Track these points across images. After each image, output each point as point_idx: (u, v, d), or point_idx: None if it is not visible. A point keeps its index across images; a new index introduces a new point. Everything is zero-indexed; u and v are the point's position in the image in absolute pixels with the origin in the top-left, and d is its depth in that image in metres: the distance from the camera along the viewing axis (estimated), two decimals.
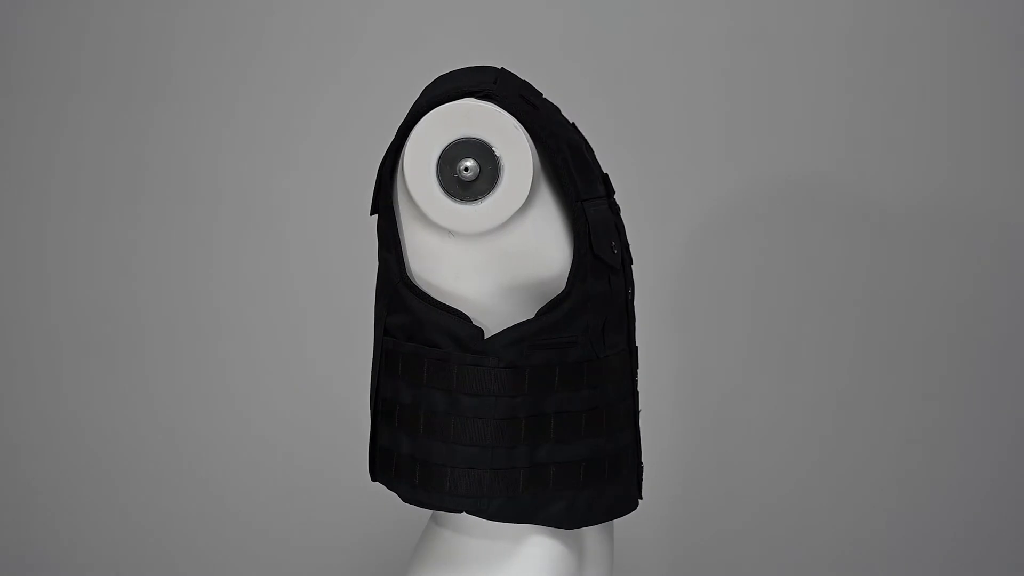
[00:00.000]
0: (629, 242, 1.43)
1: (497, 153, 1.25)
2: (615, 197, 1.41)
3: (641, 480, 1.42)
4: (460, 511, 1.32)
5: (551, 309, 1.28)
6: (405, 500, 1.34)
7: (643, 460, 1.44)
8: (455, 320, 1.29)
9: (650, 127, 2.42)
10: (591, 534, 1.39)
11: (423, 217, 1.28)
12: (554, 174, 1.29)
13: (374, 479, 1.38)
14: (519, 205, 1.26)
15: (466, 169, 1.25)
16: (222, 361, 2.52)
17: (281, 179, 2.50)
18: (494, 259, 1.28)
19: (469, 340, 1.28)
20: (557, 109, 1.35)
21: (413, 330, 1.31)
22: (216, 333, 2.52)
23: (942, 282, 2.43)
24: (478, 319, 1.29)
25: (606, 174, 1.39)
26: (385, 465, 1.36)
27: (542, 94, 1.34)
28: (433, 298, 1.30)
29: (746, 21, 2.42)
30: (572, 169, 1.28)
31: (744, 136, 2.42)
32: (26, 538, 2.42)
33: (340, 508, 2.38)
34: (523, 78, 1.44)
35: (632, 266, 1.42)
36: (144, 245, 2.54)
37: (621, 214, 1.42)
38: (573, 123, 1.40)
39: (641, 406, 1.45)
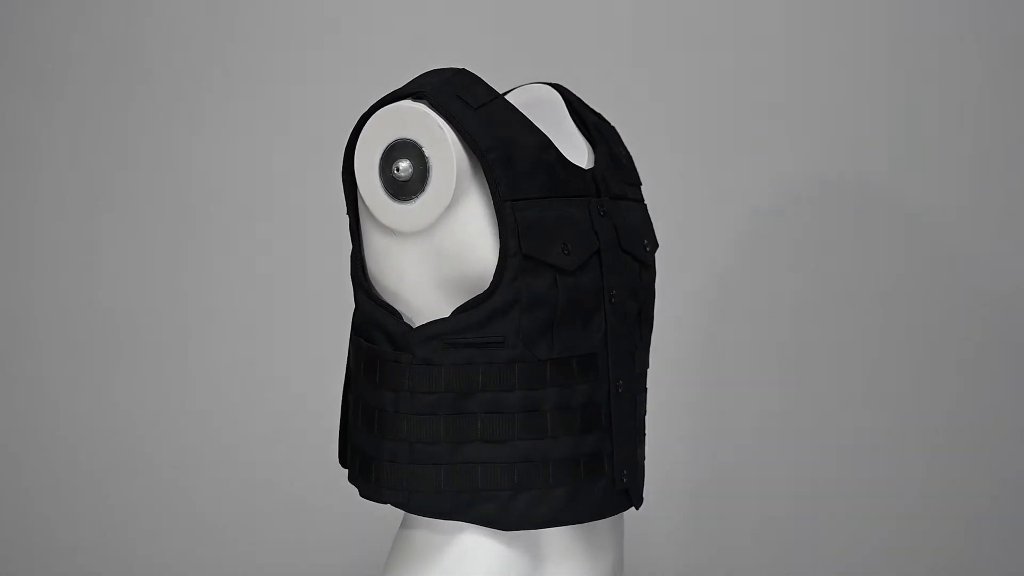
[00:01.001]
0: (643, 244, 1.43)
1: (426, 153, 1.30)
2: (616, 199, 1.40)
3: (630, 487, 1.38)
4: (386, 503, 1.36)
5: (469, 308, 1.30)
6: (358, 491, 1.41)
7: (646, 466, 1.43)
8: (388, 317, 1.34)
9: (666, 129, 2.43)
10: (553, 537, 1.38)
11: (373, 216, 1.34)
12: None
13: (343, 466, 1.45)
14: (446, 204, 1.29)
15: (398, 169, 1.30)
16: (209, 359, 2.52)
17: (269, 179, 2.51)
18: (430, 258, 1.31)
19: (398, 337, 1.33)
20: (515, 111, 1.35)
21: (363, 326, 1.36)
22: (202, 332, 2.52)
23: (957, 288, 2.43)
24: (417, 317, 1.33)
25: (596, 174, 1.37)
26: (344, 455, 1.44)
27: (499, 95, 1.34)
28: (376, 295, 1.35)
29: (769, 23, 2.43)
30: (500, 169, 1.29)
31: (759, 139, 2.43)
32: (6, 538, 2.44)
33: (334, 502, 2.38)
34: (548, 80, 1.48)
35: (642, 269, 1.41)
36: (129, 247, 2.54)
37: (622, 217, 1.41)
38: (600, 120, 1.45)
39: (648, 410, 1.45)
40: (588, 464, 1.34)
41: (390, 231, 1.33)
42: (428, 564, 1.37)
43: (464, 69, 1.37)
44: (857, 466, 2.42)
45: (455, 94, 1.32)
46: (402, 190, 1.31)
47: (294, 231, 2.51)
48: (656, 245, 1.43)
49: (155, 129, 2.51)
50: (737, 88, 2.43)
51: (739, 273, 2.44)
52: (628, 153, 1.46)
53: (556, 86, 1.45)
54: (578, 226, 1.32)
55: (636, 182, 1.44)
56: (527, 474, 1.32)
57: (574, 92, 1.47)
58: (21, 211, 2.54)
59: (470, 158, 1.30)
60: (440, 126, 1.30)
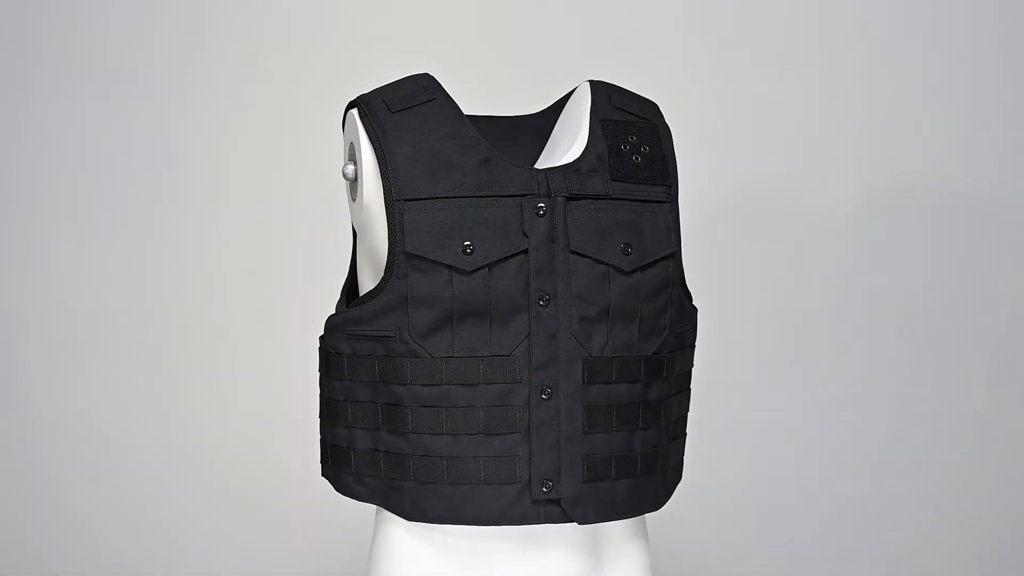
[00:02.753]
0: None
1: (358, 157, 1.38)
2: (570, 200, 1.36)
3: (563, 500, 1.34)
4: (324, 478, 1.44)
5: (363, 302, 1.35)
6: None
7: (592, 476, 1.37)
8: (339, 307, 1.43)
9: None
10: (473, 536, 1.37)
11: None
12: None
13: None
14: (363, 203, 1.37)
15: (345, 171, 1.39)
16: (197, 360, 2.53)
17: (267, 177, 2.51)
18: (366, 253, 1.39)
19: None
20: (441, 115, 1.38)
21: None
22: (199, 333, 2.53)
23: (961, 285, 2.42)
24: None
25: (555, 173, 1.36)
26: None
27: (436, 99, 1.37)
28: (342, 289, 1.45)
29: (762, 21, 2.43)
30: (399, 170, 1.33)
31: (735, 138, 2.41)
32: None
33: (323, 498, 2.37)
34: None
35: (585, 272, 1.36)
36: (117, 246, 2.53)
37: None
38: (627, 115, 1.41)
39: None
40: (493, 467, 1.33)
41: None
42: (371, 546, 1.43)
43: (421, 74, 1.40)
44: (861, 470, 2.42)
45: (382, 99, 1.37)
46: (351, 189, 1.40)
47: (281, 235, 2.50)
48: (665, 249, 1.38)
49: (148, 131, 2.50)
50: (722, 88, 2.44)
51: (759, 277, 2.44)
52: (653, 151, 1.40)
53: (596, 83, 1.44)
54: (494, 225, 1.32)
55: (645, 181, 1.39)
56: (425, 468, 1.33)
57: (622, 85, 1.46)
58: (20, 214, 2.53)
59: (378, 160, 1.35)
60: (359, 130, 1.37)
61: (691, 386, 1.46)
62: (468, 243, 1.31)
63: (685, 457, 1.51)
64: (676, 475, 1.45)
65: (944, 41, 2.42)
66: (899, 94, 2.43)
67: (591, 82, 1.44)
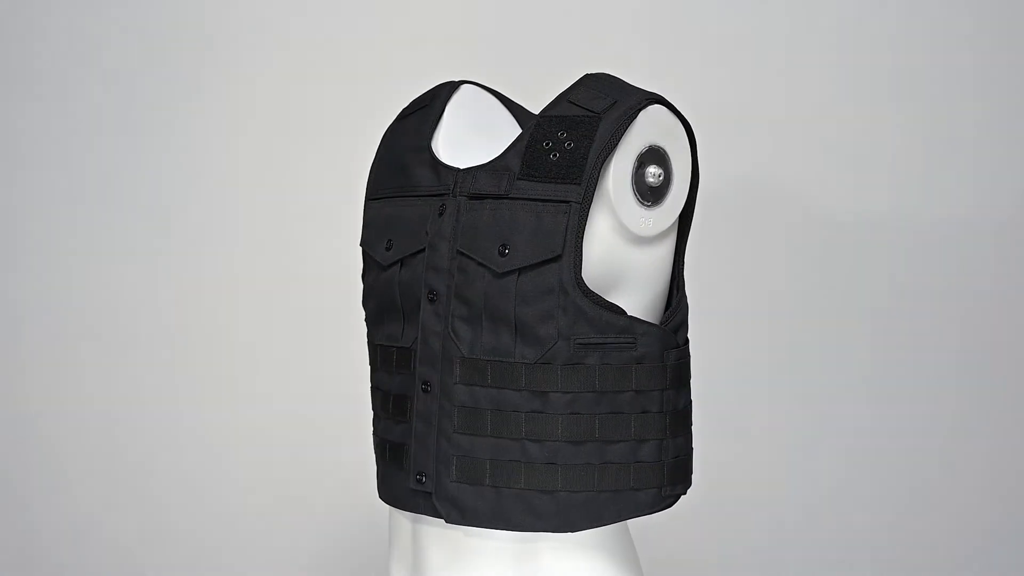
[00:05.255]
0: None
1: None
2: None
3: (435, 495, 1.35)
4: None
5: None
6: None
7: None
8: None
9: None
10: (414, 520, 1.42)
11: None
12: None
13: None
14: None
15: None
16: (215, 360, 2.56)
17: (287, 175, 2.53)
18: None
19: None
20: (414, 120, 1.46)
21: None
22: (215, 330, 2.56)
23: (962, 291, 2.41)
24: None
25: (465, 172, 1.36)
26: None
27: (430, 104, 1.45)
28: None
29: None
30: (374, 171, 1.47)
31: (727, 139, 2.41)
32: None
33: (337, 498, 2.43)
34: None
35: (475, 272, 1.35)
36: (139, 242, 2.56)
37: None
38: (578, 107, 1.36)
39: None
40: (391, 452, 1.41)
41: None
42: None
43: (449, 81, 1.47)
44: (863, 468, 2.42)
45: (407, 104, 1.48)
46: None
47: (298, 236, 2.50)
48: (548, 252, 1.30)
49: (161, 132, 2.52)
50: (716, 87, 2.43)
51: (746, 276, 2.44)
52: (579, 147, 1.31)
53: (584, 76, 1.39)
54: (408, 224, 1.38)
55: (556, 179, 1.31)
56: (375, 448, 1.46)
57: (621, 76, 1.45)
58: (23, 212, 2.54)
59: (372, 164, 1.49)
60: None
61: (659, 409, 1.34)
62: (391, 240, 1.40)
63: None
64: (620, 503, 1.34)
65: (942, 40, 2.41)
66: (900, 95, 2.42)
67: (593, 76, 1.40)
